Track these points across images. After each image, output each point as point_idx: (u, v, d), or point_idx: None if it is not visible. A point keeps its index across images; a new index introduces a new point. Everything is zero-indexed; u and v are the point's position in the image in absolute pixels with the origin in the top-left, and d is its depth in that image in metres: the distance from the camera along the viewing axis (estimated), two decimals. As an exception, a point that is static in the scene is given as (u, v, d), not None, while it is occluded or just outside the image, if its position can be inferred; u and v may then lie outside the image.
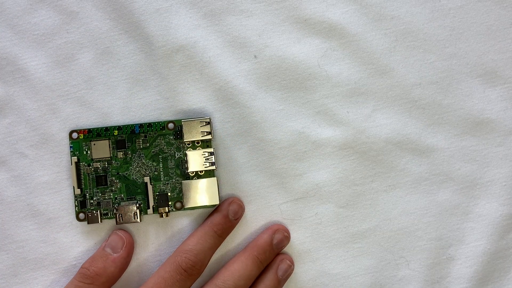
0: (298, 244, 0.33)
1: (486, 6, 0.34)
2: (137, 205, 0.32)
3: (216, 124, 0.33)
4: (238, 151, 0.33)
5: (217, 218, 0.32)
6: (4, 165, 0.33)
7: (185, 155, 0.32)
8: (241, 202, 0.33)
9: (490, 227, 0.33)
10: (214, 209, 0.33)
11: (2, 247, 0.33)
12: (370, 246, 0.33)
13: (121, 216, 0.32)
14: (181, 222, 0.33)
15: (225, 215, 0.32)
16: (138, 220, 0.32)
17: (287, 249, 0.33)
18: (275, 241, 0.32)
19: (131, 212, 0.32)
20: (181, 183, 0.32)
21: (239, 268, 0.31)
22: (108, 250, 0.32)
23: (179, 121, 0.33)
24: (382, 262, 0.33)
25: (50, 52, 0.33)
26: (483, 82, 0.34)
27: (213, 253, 0.32)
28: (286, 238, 0.33)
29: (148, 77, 0.33)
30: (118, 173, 0.33)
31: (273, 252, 0.32)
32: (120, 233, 0.32)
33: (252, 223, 0.33)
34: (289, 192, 0.33)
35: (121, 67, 0.33)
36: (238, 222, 0.33)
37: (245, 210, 0.33)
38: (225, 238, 0.32)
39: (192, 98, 0.33)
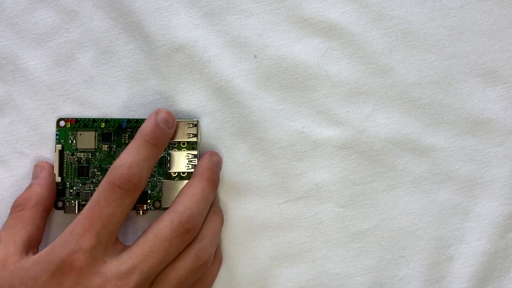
0: (298, 244, 0.33)
1: (486, 6, 0.34)
2: None
3: (216, 123, 0.33)
4: (238, 150, 0.33)
5: (146, 127, 0.30)
6: (4, 165, 0.33)
7: (169, 154, 0.32)
8: (169, 111, 0.31)
9: (490, 227, 0.33)
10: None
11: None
12: (370, 245, 0.33)
13: None
14: None
15: (154, 123, 0.30)
16: None
17: (285, 248, 0.33)
18: (216, 160, 0.32)
19: None
20: (161, 182, 0.32)
21: (197, 192, 0.30)
22: (32, 181, 0.32)
23: None
24: (382, 261, 0.33)
25: (50, 52, 0.33)
26: (483, 82, 0.34)
27: (151, 166, 0.30)
28: (217, 155, 0.33)
29: (148, 77, 0.33)
30: (100, 166, 0.32)
31: (219, 170, 0.32)
32: (37, 163, 0.32)
33: (252, 222, 0.33)
34: (289, 192, 0.33)
35: (121, 66, 0.33)
36: (172, 131, 0.31)
37: (245, 209, 0.33)
38: (162, 149, 0.30)
39: (192, 97, 0.33)
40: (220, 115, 0.33)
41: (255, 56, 0.33)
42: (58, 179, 0.32)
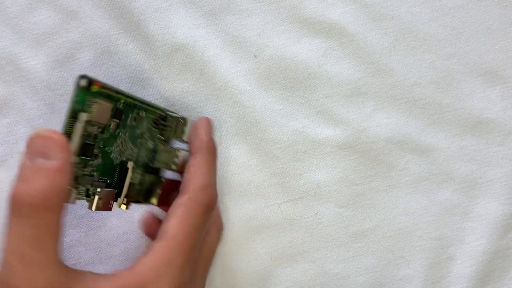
0: (298, 244, 0.33)
1: (486, 6, 0.34)
2: (115, 191, 0.27)
3: (216, 123, 0.33)
4: (237, 150, 0.33)
5: (209, 141, 0.29)
6: (4, 165, 0.33)
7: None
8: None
9: (490, 227, 0.33)
10: (192, 136, 0.29)
11: (3, 246, 0.33)
12: (370, 245, 0.33)
13: (100, 201, 0.26)
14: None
15: (212, 137, 0.29)
16: (112, 209, 0.27)
17: (285, 248, 0.33)
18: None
19: (111, 199, 0.26)
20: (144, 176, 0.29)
21: (206, 167, 0.29)
22: (40, 160, 0.22)
23: (184, 118, 0.31)
24: (382, 261, 0.33)
25: (50, 52, 0.33)
26: (483, 82, 0.34)
27: None
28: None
29: (148, 77, 0.33)
30: (104, 147, 0.26)
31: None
32: (43, 132, 0.22)
33: (252, 223, 0.33)
34: (289, 192, 0.33)
35: (121, 66, 0.33)
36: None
37: (245, 209, 0.33)
38: None
39: (192, 97, 0.33)
40: (220, 115, 0.33)
41: (255, 56, 0.33)
42: (77, 160, 0.24)
